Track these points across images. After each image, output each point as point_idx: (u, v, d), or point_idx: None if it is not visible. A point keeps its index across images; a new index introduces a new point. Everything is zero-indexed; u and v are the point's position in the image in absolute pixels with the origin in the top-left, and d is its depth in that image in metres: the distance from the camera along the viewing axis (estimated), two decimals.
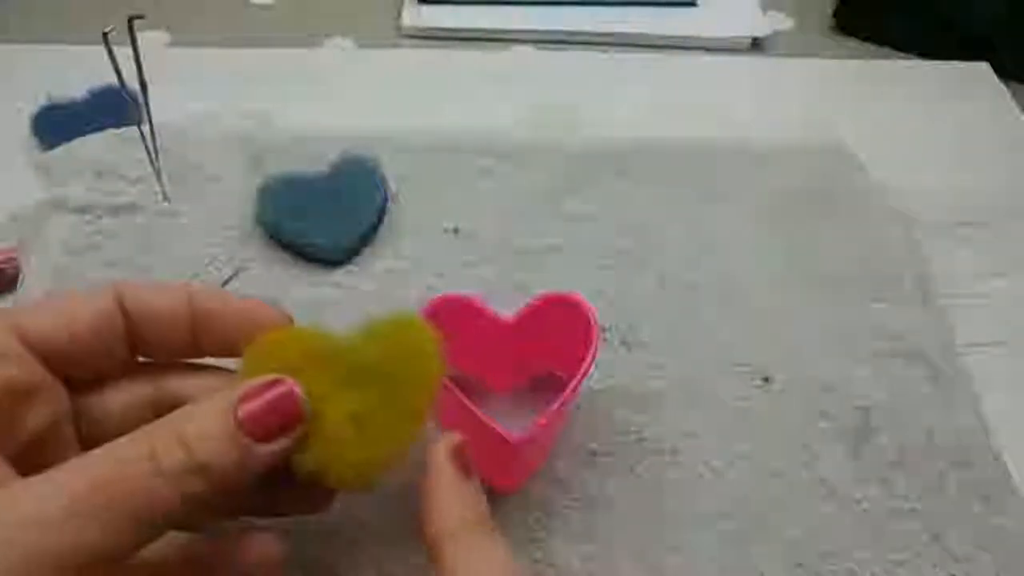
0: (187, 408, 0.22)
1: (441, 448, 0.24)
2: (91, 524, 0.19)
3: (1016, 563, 0.31)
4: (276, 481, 0.24)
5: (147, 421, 0.22)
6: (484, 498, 0.24)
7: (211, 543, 0.25)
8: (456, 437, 0.25)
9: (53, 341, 0.23)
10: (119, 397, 0.25)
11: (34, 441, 0.23)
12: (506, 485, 0.33)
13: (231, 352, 0.25)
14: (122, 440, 0.21)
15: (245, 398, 0.22)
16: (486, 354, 0.33)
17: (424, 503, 0.24)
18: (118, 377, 0.26)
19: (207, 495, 0.21)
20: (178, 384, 0.26)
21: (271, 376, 0.23)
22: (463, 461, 0.24)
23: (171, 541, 0.24)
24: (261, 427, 0.22)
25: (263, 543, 0.25)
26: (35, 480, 0.20)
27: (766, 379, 0.37)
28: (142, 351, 0.26)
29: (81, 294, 0.25)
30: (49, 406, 0.23)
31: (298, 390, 0.23)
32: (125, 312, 0.25)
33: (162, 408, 0.24)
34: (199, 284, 0.26)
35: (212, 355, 0.26)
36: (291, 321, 0.26)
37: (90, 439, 0.24)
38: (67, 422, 0.24)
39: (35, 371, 0.23)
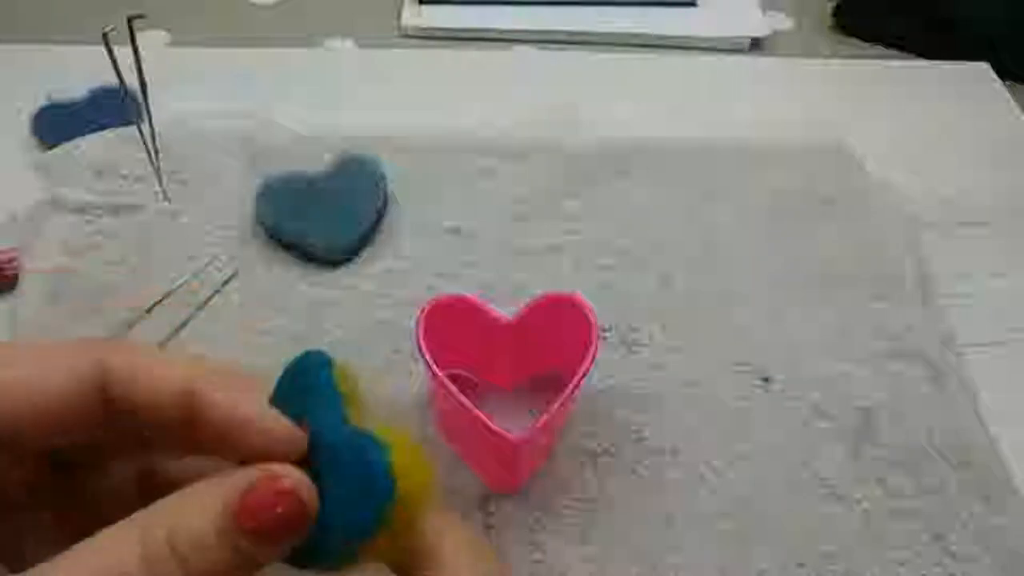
0: (179, 503, 0.19)
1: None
2: None
3: (1016, 563, 0.31)
4: None
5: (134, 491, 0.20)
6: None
7: None
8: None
9: (12, 424, 0.20)
10: (106, 475, 0.23)
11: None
12: (506, 485, 0.33)
13: (227, 457, 0.21)
14: (106, 542, 0.18)
15: (249, 497, 0.19)
16: (486, 354, 0.33)
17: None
18: (109, 453, 0.23)
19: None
20: (173, 465, 0.23)
21: (274, 467, 0.20)
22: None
23: None
24: (263, 530, 0.19)
25: None
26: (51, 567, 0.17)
27: (766, 379, 0.37)
28: (122, 428, 0.21)
29: (56, 357, 0.20)
30: (15, 491, 0.20)
31: (305, 486, 0.20)
32: (108, 389, 0.20)
33: (148, 478, 0.22)
34: (207, 366, 0.21)
35: (206, 453, 0.22)
36: (303, 440, 0.22)
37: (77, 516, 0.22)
38: (45, 492, 0.21)
39: None
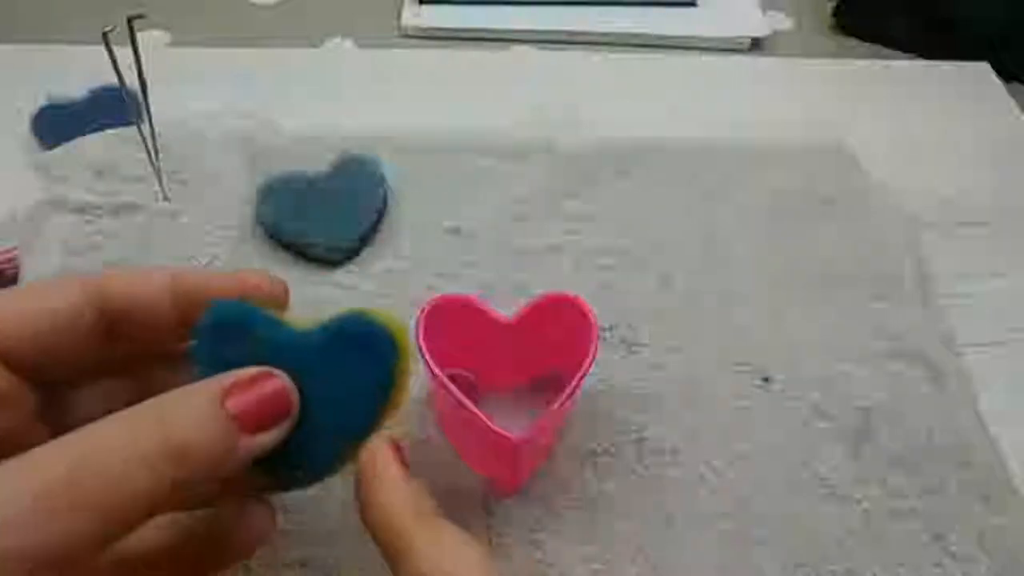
0: (173, 393, 0.21)
1: (381, 450, 0.24)
2: (64, 515, 0.18)
3: (1016, 563, 0.31)
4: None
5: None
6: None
7: (207, 520, 0.24)
8: (390, 434, 0.24)
9: (14, 343, 0.22)
10: (98, 394, 0.24)
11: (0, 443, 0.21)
12: (506, 485, 0.33)
13: None
14: (100, 423, 0.20)
15: (234, 388, 0.21)
16: (486, 354, 0.33)
17: (374, 504, 0.23)
18: (95, 374, 0.25)
19: (192, 483, 0.20)
20: (161, 379, 0.25)
21: (260, 370, 0.22)
22: (403, 457, 0.24)
23: (161, 523, 0.23)
24: (251, 419, 0.21)
25: (260, 518, 0.24)
26: (5, 466, 0.18)
27: (766, 379, 0.37)
28: (124, 343, 0.24)
29: (44, 289, 0.23)
30: (12, 410, 0.22)
31: (288, 384, 0.22)
32: (105, 304, 0.23)
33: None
34: (181, 267, 0.24)
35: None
36: (284, 288, 0.25)
37: None
38: (33, 425, 0.23)
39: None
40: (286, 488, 0.25)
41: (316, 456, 0.23)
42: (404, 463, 0.24)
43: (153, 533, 0.23)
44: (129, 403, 0.23)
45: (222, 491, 0.25)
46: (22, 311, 0.22)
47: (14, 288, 0.23)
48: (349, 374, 0.24)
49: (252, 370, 0.22)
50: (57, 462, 0.18)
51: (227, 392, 0.21)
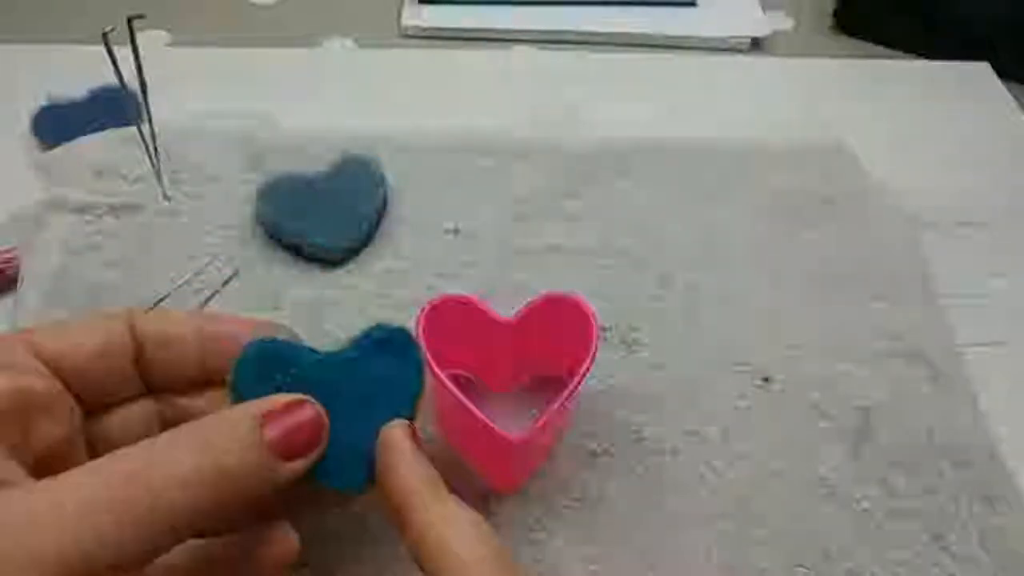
0: (213, 418, 0.22)
1: (401, 427, 0.25)
2: (106, 529, 0.18)
3: (1016, 563, 0.31)
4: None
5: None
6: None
7: (227, 544, 0.25)
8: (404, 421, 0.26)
9: (66, 360, 0.23)
10: (130, 416, 0.26)
11: (47, 455, 0.22)
12: (506, 485, 0.33)
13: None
14: (144, 443, 0.21)
15: (270, 415, 0.22)
16: (486, 354, 0.33)
17: (392, 472, 0.24)
18: (128, 399, 0.26)
19: (230, 507, 0.21)
20: (187, 402, 0.26)
21: (294, 397, 0.24)
22: (417, 437, 0.26)
23: (187, 544, 0.24)
24: (287, 446, 0.22)
25: (282, 541, 0.25)
26: (51, 480, 0.19)
27: (766, 379, 0.37)
28: (153, 377, 0.26)
29: (94, 316, 0.25)
30: (64, 421, 0.23)
31: (320, 410, 0.24)
32: (136, 337, 0.25)
33: (173, 426, 0.24)
34: (209, 312, 0.27)
35: (221, 378, 0.26)
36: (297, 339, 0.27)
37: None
38: (79, 441, 0.24)
39: (52, 385, 0.23)
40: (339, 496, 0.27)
41: (364, 466, 0.25)
42: (417, 441, 0.26)
43: (173, 555, 0.23)
44: (164, 425, 0.25)
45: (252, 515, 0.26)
46: (75, 333, 0.24)
47: (68, 321, 0.26)
48: (384, 378, 0.26)
49: (286, 397, 0.23)
50: (103, 478, 0.19)
51: (265, 418, 0.22)
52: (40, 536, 0.18)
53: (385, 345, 0.26)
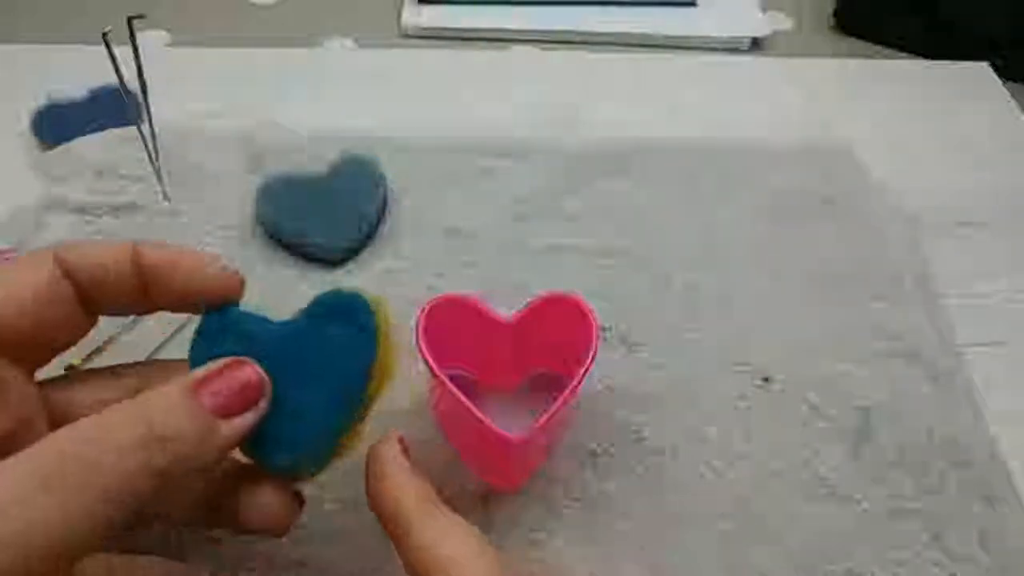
0: (149, 391, 0.22)
1: (392, 442, 0.25)
2: (60, 503, 0.19)
3: (1016, 563, 0.31)
4: (239, 491, 0.25)
5: None
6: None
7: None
8: (396, 432, 0.26)
9: (3, 319, 0.23)
10: (95, 394, 0.25)
11: (3, 440, 0.22)
12: (506, 485, 0.33)
13: (183, 306, 0.26)
14: (85, 420, 0.21)
15: (207, 377, 0.23)
16: (486, 354, 0.33)
17: (385, 491, 0.25)
18: (87, 370, 0.26)
19: (172, 471, 0.21)
20: (159, 380, 0.25)
21: (230, 358, 0.24)
22: (407, 450, 0.26)
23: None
24: (223, 403, 0.22)
25: (274, 503, 0.25)
26: (3, 463, 0.19)
27: (766, 379, 0.37)
28: (97, 310, 0.25)
29: (18, 265, 0.24)
30: (16, 404, 0.23)
31: (258, 368, 0.24)
32: (71, 273, 0.24)
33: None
34: (145, 242, 0.25)
35: (165, 308, 0.26)
36: (240, 280, 0.26)
37: None
38: (38, 420, 0.24)
39: (1, 368, 0.23)
40: (293, 475, 0.26)
41: (312, 436, 0.24)
42: (407, 454, 0.26)
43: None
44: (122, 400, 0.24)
45: (196, 520, 0.26)
46: (3, 289, 0.23)
47: None
48: (334, 346, 0.25)
49: (223, 361, 0.23)
50: (37, 461, 0.19)
51: (200, 383, 0.23)
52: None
53: (337, 312, 0.25)
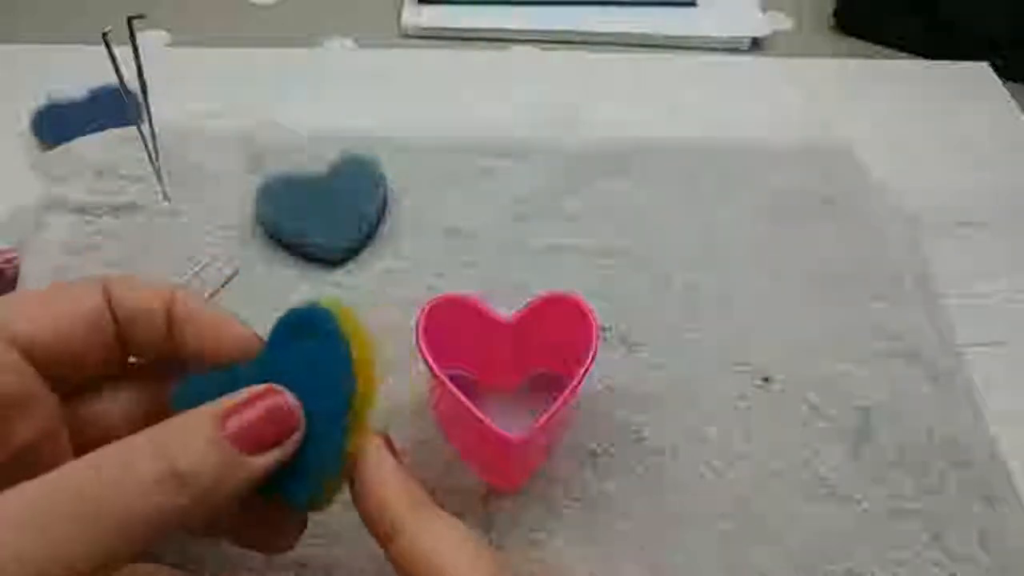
0: (172, 421, 0.21)
1: (376, 442, 0.24)
2: (75, 532, 0.18)
3: (1016, 563, 0.31)
4: (251, 510, 0.24)
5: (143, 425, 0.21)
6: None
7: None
8: (381, 433, 0.24)
9: (42, 342, 0.22)
10: (116, 406, 0.25)
11: (25, 451, 0.22)
12: (506, 485, 0.33)
13: (204, 358, 0.25)
14: (104, 449, 0.20)
15: (235, 408, 0.21)
16: (486, 354, 0.33)
17: (372, 494, 0.23)
18: (113, 380, 0.25)
19: (189, 508, 0.20)
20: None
21: (262, 386, 0.22)
22: (395, 450, 0.24)
23: None
24: (253, 438, 0.21)
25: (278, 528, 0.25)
26: (23, 485, 0.19)
27: (766, 379, 0.37)
28: (131, 349, 0.25)
29: (70, 290, 0.24)
30: (41, 417, 0.22)
31: (292, 399, 0.22)
32: (113, 306, 0.24)
33: (160, 418, 0.23)
34: (183, 291, 0.25)
35: (189, 358, 0.25)
36: (258, 340, 0.25)
37: (87, 450, 0.23)
38: (61, 433, 0.23)
39: (27, 379, 0.22)
40: (314, 506, 0.24)
41: (327, 457, 0.23)
42: (396, 455, 0.24)
43: None
44: (148, 415, 0.24)
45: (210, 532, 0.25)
46: (50, 311, 0.23)
47: (39, 290, 0.24)
48: (308, 360, 0.23)
49: (254, 388, 0.22)
50: (55, 492, 0.19)
51: (228, 413, 0.21)
52: (14, 541, 0.17)
53: (299, 328, 0.24)
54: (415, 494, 0.23)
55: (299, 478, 0.22)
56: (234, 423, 0.21)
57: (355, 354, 0.23)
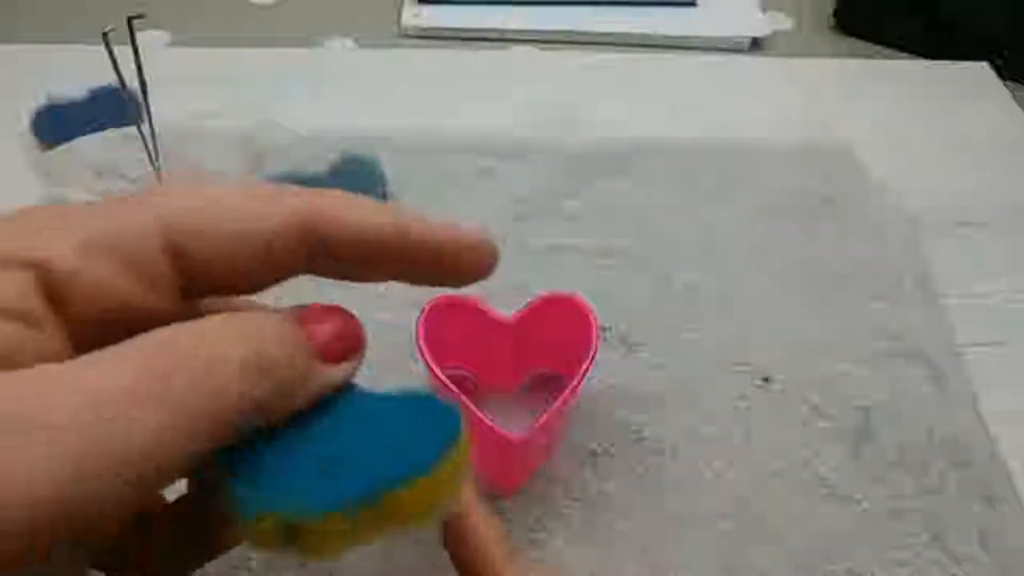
0: (252, 313, 0.19)
1: (466, 489, 0.24)
2: (168, 410, 0.15)
3: (1016, 563, 0.31)
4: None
5: None
6: None
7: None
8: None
9: (201, 259, 0.18)
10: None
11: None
12: (506, 485, 0.33)
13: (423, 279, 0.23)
14: (183, 326, 0.17)
15: (309, 314, 0.19)
16: (486, 354, 0.33)
17: (468, 535, 0.24)
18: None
19: (269, 404, 0.17)
20: None
21: (328, 304, 0.20)
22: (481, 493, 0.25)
23: None
24: (325, 343, 0.19)
25: None
26: (99, 356, 0.16)
27: (766, 379, 0.37)
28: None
29: (252, 206, 0.19)
30: (160, 295, 0.19)
31: (358, 320, 0.21)
32: (316, 227, 0.20)
33: None
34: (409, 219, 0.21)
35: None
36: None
37: None
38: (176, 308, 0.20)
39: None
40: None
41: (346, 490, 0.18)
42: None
43: None
44: None
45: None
46: (223, 228, 0.19)
47: (215, 190, 0.20)
48: (400, 428, 0.20)
49: (322, 304, 0.20)
50: (155, 355, 0.16)
51: (304, 317, 0.19)
52: (87, 423, 0.15)
53: (424, 405, 0.21)
54: (505, 541, 0.24)
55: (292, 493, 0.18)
56: (311, 329, 0.19)
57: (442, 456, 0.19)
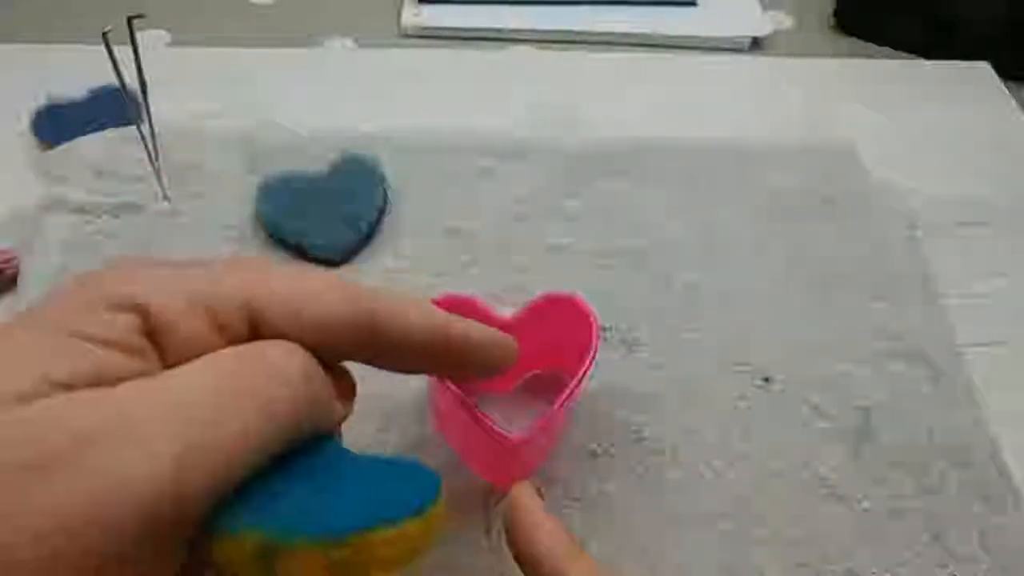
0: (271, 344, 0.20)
1: (525, 489, 0.25)
2: (250, 415, 0.18)
3: (1016, 563, 0.31)
4: None
5: None
6: None
7: None
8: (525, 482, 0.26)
9: (280, 329, 0.20)
10: None
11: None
12: (506, 485, 0.33)
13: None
14: (246, 346, 0.19)
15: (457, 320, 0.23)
16: None
17: (529, 537, 0.24)
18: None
19: (298, 410, 0.19)
20: None
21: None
22: (542, 495, 0.26)
23: None
24: (338, 385, 0.22)
25: None
26: (183, 368, 0.18)
27: (766, 379, 0.37)
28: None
29: (330, 291, 0.21)
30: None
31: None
32: (376, 326, 0.22)
33: None
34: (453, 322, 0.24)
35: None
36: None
37: None
38: None
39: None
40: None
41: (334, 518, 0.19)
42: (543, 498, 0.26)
43: None
44: None
45: None
46: (300, 314, 0.20)
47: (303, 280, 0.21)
48: (386, 481, 0.21)
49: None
50: (229, 366, 0.19)
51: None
52: (178, 426, 0.17)
53: (409, 470, 0.22)
54: (567, 541, 0.24)
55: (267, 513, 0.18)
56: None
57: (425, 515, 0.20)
